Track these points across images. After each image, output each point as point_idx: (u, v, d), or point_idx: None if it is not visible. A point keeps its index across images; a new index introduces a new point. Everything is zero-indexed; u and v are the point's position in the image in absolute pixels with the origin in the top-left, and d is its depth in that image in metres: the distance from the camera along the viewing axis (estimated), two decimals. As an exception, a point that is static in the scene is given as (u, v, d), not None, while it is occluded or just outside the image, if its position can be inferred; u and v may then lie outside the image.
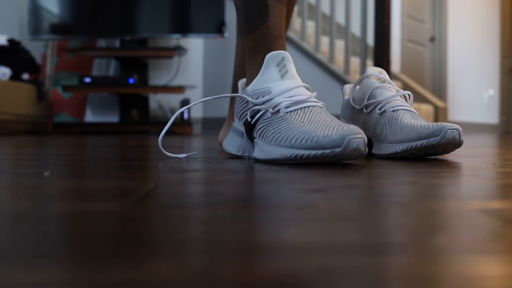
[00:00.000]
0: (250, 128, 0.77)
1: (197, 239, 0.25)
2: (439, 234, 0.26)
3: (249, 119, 0.76)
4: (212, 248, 0.23)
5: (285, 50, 0.82)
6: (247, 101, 0.78)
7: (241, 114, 0.80)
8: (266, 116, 0.74)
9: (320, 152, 0.68)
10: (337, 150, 0.66)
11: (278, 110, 0.73)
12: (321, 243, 0.24)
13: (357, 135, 0.68)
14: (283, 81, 0.75)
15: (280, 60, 0.76)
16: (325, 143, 0.66)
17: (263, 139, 0.74)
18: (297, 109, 0.73)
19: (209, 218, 0.30)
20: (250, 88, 0.77)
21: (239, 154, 0.82)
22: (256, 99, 0.76)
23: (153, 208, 0.34)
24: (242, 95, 0.78)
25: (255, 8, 0.79)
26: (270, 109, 0.74)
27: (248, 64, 0.83)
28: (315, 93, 0.77)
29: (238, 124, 0.82)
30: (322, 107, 0.76)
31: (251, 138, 0.78)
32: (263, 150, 0.74)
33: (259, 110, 0.75)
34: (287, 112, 0.73)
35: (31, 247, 0.23)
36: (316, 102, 0.75)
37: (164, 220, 0.30)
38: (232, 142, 0.84)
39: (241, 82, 0.87)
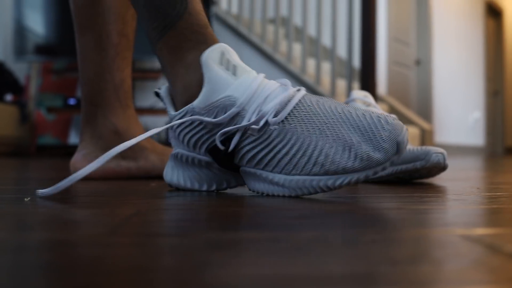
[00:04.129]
0: (227, 156, 0.59)
1: (175, 269, 0.24)
2: (423, 264, 0.26)
3: (222, 147, 0.58)
4: (190, 279, 0.23)
5: (217, 41, 0.63)
6: (200, 123, 0.59)
7: (197, 140, 0.61)
8: (252, 137, 0.57)
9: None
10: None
11: (266, 123, 0.56)
12: (303, 273, 0.24)
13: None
14: (238, 79, 0.58)
15: (220, 56, 0.59)
16: (381, 157, 0.53)
17: (266, 168, 0.57)
18: (293, 111, 0.57)
19: (189, 247, 0.30)
20: (198, 103, 0.59)
21: (204, 189, 0.64)
22: (215, 117, 0.58)
23: (133, 236, 0.33)
24: (195, 117, 0.58)
25: None
26: (253, 126, 0.56)
27: (173, 72, 0.63)
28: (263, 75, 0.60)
29: (193, 152, 0.63)
30: (308, 93, 0.62)
31: (229, 167, 0.61)
32: (276, 183, 0.57)
33: (231, 132, 0.58)
34: (283, 122, 0.56)
35: (7, 279, 0.23)
36: (299, 88, 0.59)
37: (142, 249, 0.29)
38: (185, 175, 0.64)
39: (163, 91, 0.66)
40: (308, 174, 0.55)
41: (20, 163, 1.75)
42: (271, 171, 0.57)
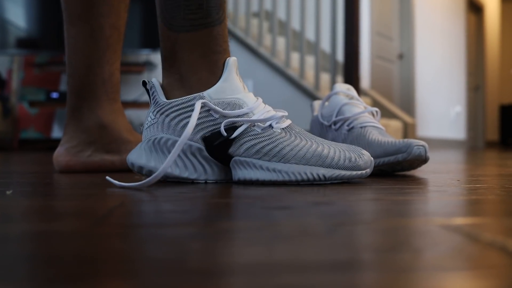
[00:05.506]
0: (223, 145, 0.65)
1: (159, 259, 0.25)
2: (403, 251, 0.27)
3: (225, 133, 0.64)
4: (173, 268, 0.23)
5: None
6: (206, 111, 0.65)
7: (195, 127, 0.66)
8: (255, 131, 0.65)
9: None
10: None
11: (271, 125, 0.66)
12: (285, 261, 0.24)
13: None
14: (248, 92, 0.68)
15: (237, 67, 0.69)
16: (362, 164, 0.67)
17: (264, 157, 0.64)
18: (288, 127, 0.67)
19: (173, 237, 0.30)
20: (211, 93, 0.65)
21: (184, 175, 0.67)
22: (223, 109, 0.65)
23: (117, 227, 0.33)
24: (208, 104, 0.64)
25: (215, 1, 0.68)
26: (260, 124, 0.65)
27: (190, 63, 0.68)
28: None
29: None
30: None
31: (219, 157, 0.66)
32: (273, 169, 0.64)
33: (237, 124, 0.65)
34: (283, 129, 0.66)
35: (-12, 269, 0.23)
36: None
37: (126, 239, 0.29)
38: (172, 163, 0.64)
39: (154, 81, 0.70)
40: (306, 164, 0.64)
41: (3, 157, 1.73)
42: (269, 161, 0.65)
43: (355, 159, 0.66)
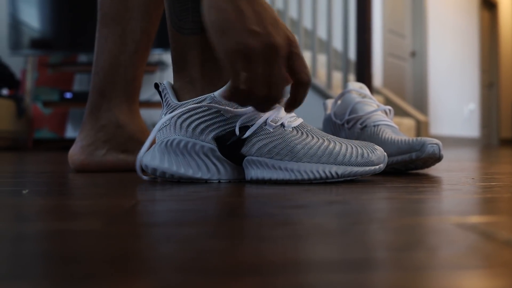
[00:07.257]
0: (236, 145, 0.66)
1: (173, 258, 0.25)
2: (418, 250, 0.26)
3: (238, 133, 0.65)
4: (188, 267, 0.23)
5: None
6: (217, 111, 0.65)
7: (206, 127, 0.66)
8: (267, 131, 0.65)
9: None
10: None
11: (283, 124, 0.66)
12: (301, 260, 0.24)
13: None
14: None
15: None
16: (375, 159, 0.66)
17: (276, 157, 0.65)
18: (299, 125, 0.67)
19: (187, 236, 0.30)
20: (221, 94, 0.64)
21: (197, 176, 0.67)
22: (234, 109, 0.65)
23: (132, 226, 0.33)
24: (218, 105, 0.65)
25: None
26: (271, 123, 0.66)
27: (199, 63, 0.69)
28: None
29: (196, 139, 0.67)
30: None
31: (231, 156, 0.67)
32: (285, 168, 0.64)
33: (248, 123, 0.65)
34: (294, 127, 0.67)
35: (7, 268, 0.23)
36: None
37: (141, 239, 0.29)
38: (178, 161, 0.67)
39: (166, 83, 0.70)
40: (318, 162, 0.64)
41: (18, 157, 1.75)
42: (281, 160, 0.65)
43: (368, 154, 0.66)
